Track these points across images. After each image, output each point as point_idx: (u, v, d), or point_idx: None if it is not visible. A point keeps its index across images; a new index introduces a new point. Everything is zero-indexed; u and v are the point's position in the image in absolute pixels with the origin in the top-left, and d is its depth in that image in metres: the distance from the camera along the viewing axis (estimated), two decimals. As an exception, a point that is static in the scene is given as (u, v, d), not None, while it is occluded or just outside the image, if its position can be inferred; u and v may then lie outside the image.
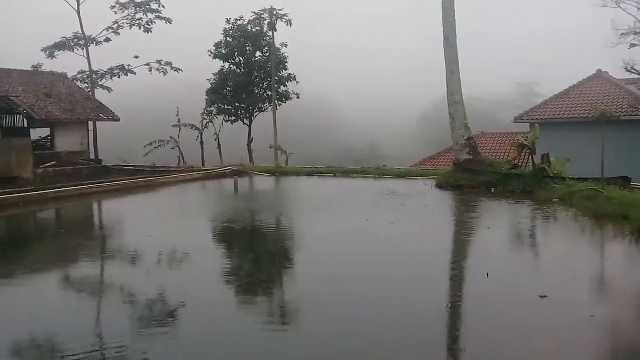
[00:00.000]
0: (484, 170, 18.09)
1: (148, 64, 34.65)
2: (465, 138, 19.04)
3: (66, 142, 26.81)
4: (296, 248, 10.90)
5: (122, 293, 7.69)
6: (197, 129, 33.87)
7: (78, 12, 31.96)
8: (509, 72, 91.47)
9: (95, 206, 17.73)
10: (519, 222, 13.01)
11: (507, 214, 14.05)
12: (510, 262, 9.16)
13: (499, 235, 11.29)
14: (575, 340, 5.78)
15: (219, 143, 34.61)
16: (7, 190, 17.77)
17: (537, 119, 25.87)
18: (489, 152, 28.85)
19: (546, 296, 6.77)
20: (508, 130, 34.23)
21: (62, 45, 33.01)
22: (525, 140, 18.53)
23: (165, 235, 11.74)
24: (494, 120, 62.14)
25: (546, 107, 27.70)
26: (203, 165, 29.98)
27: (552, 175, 16.66)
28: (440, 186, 18.26)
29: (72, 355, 5.36)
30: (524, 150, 18.60)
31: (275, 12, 35.28)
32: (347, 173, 22.78)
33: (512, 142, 19.95)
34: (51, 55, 32.93)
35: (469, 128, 19.43)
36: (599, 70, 28.95)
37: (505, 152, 27.08)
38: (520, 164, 19.65)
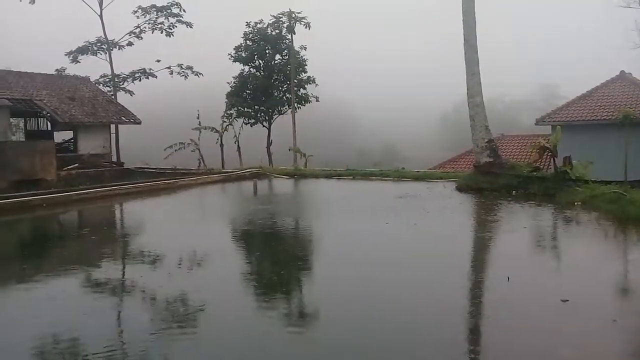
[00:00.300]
0: (504, 173, 17.93)
1: (169, 67, 35.06)
2: (486, 140, 18.89)
3: (89, 145, 27.21)
4: (315, 250, 10.92)
5: (142, 294, 7.79)
6: (217, 131, 34.14)
7: (101, 16, 32.47)
8: (530, 74, 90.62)
9: (117, 208, 17.96)
10: (540, 225, 12.87)
11: (529, 217, 13.89)
12: (532, 266, 9.06)
13: (520, 238, 11.17)
14: (597, 345, 5.71)
15: (238, 145, 34.82)
16: (31, 192, 18.12)
17: (558, 121, 25.56)
18: (510, 155, 28.57)
19: (568, 300, 6.69)
20: (529, 132, 33.90)
21: (86, 50, 33.56)
22: (547, 142, 18.32)
23: (185, 237, 11.86)
24: (514, 122, 61.58)
25: (568, 109, 27.36)
26: (223, 167, 30.21)
27: (574, 178, 16.44)
28: (460, 189, 18.14)
29: (93, 355, 5.45)
30: (546, 153, 18.40)
31: (294, 15, 35.46)
32: (365, 175, 22.73)
33: (533, 144, 19.72)
34: (75, 60, 33.51)
35: (490, 130, 19.28)
36: (622, 72, 28.52)
37: (526, 155, 26.76)
38: (541, 167, 19.43)
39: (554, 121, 26.05)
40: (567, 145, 19.07)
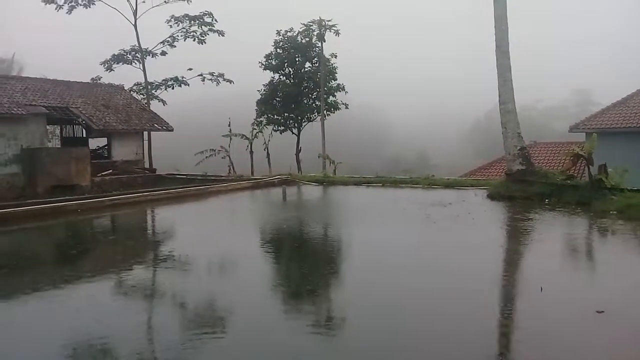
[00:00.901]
0: (537, 180, 17.60)
1: (201, 75, 35.56)
2: (518, 148, 18.60)
3: (122, 152, 27.76)
4: (344, 257, 10.87)
5: (173, 298, 7.88)
6: (247, 138, 34.50)
7: (135, 26, 33.19)
8: (564, 80, 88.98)
9: (149, 213, 18.24)
10: (574, 235, 12.58)
11: (562, 226, 13.60)
12: (566, 276, 8.86)
13: (553, 247, 10.93)
14: (630, 355, 5.55)
15: (267, 152, 35.11)
16: (67, 197, 18.55)
17: (593, 128, 24.99)
18: (543, 162, 28.06)
19: (603, 311, 6.52)
20: (562, 139, 33.25)
21: (120, 59, 34.33)
22: (581, 150, 17.93)
23: (215, 243, 11.98)
24: (547, 129, 60.55)
25: (603, 116, 26.73)
26: (252, 174, 30.45)
27: (609, 186, 16.03)
28: (491, 197, 17.87)
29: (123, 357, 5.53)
30: (580, 161, 18.00)
31: (324, 23, 35.66)
32: (395, 183, 22.58)
33: (567, 152, 19.32)
34: (109, 68, 34.31)
35: (522, 137, 18.98)
36: (660, 78, 27.77)
37: (559, 163, 26.27)
38: (575, 175, 19.01)
39: (588, 128, 25.49)
40: (601, 152, 18.59)
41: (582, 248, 11.33)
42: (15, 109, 22.68)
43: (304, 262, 10.26)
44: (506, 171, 19.34)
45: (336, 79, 37.35)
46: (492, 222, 14.17)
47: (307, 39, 36.88)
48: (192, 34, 34.49)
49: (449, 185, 21.45)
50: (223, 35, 35.04)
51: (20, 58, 56.92)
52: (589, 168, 17.31)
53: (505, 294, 8.04)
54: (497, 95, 19.11)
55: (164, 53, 34.94)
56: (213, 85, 36.60)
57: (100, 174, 24.98)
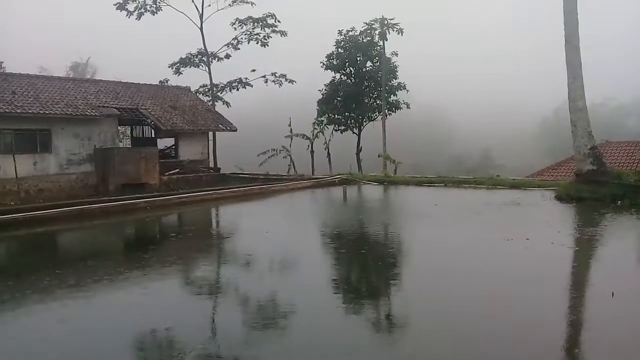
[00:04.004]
0: (609, 181, 16.84)
1: (264, 76, 36.13)
2: (589, 147, 17.85)
3: (188, 151, 28.64)
4: (406, 260, 10.79)
5: (235, 294, 8.08)
6: (307, 138, 34.80)
7: (201, 29, 34.10)
8: (638, 76, 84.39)
9: (214, 211, 18.75)
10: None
11: (636, 229, 12.95)
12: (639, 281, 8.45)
13: (626, 251, 10.44)
14: None
15: (328, 152, 35.27)
16: (137, 195, 19.35)
17: (672, 126, 23.61)
18: (615, 162, 26.75)
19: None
20: (636, 138, 31.60)
21: (187, 62, 35.39)
22: (658, 149, 17.01)
23: (278, 241, 12.19)
24: (620, 128, 57.62)
25: (683, 113, 25.21)
26: (313, 173, 30.68)
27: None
28: (560, 198, 17.24)
29: (188, 352, 5.74)
30: (657, 161, 17.08)
31: (386, 22, 35.45)
32: (458, 183, 22.17)
33: (642, 151, 18.37)
34: (177, 71, 35.44)
35: (593, 136, 18.20)
36: None
37: (633, 163, 24.99)
38: (651, 175, 18.04)
39: (666, 126, 24.11)
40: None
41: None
42: (89, 111, 23.85)
43: (366, 264, 10.26)
44: (576, 171, 18.61)
45: (397, 78, 37.07)
46: (561, 225, 13.66)
47: (369, 38, 36.79)
48: (255, 36, 35.12)
49: (514, 185, 20.84)
50: (285, 36, 35.47)
51: (94, 62, 59.73)
52: (666, 168, 16.41)
53: (575, 298, 7.74)
54: (566, 92, 18.42)
55: (228, 56, 35.76)
56: (275, 86, 37.14)
57: (167, 173, 25.86)
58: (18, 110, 21.21)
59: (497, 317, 6.68)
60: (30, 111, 21.59)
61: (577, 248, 11.15)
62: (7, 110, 20.86)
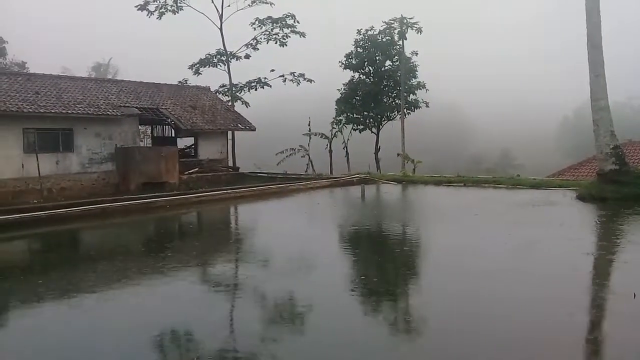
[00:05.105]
0: (632, 181, 16.58)
1: (282, 76, 36.22)
2: (611, 146, 17.59)
3: (208, 150, 28.85)
4: (425, 260, 10.74)
5: (253, 293, 8.12)
6: (326, 137, 34.79)
7: (221, 30, 34.30)
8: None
9: (233, 209, 18.87)
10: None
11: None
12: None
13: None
14: None
15: (347, 151, 35.24)
16: (157, 194, 19.55)
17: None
18: (638, 162, 26.32)
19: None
20: (661, 138, 31.06)
21: (206, 62, 35.63)
22: (683, 149, 16.70)
23: (296, 239, 12.23)
24: (644, 127, 56.67)
25: None
26: (331, 173, 30.68)
27: None
28: (581, 198, 17.02)
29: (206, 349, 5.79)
30: (682, 160, 16.77)
31: (405, 21, 35.32)
32: (477, 182, 22.01)
33: (666, 151, 18.05)
34: (197, 72, 35.71)
35: (615, 136, 17.93)
36: None
37: (658, 162, 24.55)
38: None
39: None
40: None
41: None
42: (110, 111, 24.14)
43: (385, 263, 10.24)
44: (598, 171, 18.36)
45: (417, 77, 36.90)
46: (583, 225, 13.50)
47: (388, 38, 36.68)
48: (274, 36, 35.23)
49: (535, 185, 20.63)
50: (304, 37, 35.51)
51: (115, 62, 60.51)
52: (692, 168, 16.10)
53: (596, 300, 7.64)
54: (588, 91, 18.17)
55: (247, 56, 35.91)
56: (294, 86, 37.20)
57: (187, 172, 26.07)
58: (41, 110, 21.55)
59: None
60: (53, 111, 21.93)
61: (601, 246, 11.00)
62: (30, 110, 21.21)
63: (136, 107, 25.75)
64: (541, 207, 16.01)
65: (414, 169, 30.20)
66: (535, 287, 7.87)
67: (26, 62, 46.52)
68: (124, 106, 25.17)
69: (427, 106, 37.44)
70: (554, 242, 11.20)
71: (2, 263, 11.24)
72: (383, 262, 10.21)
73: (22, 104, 21.24)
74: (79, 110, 22.92)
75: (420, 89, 36.69)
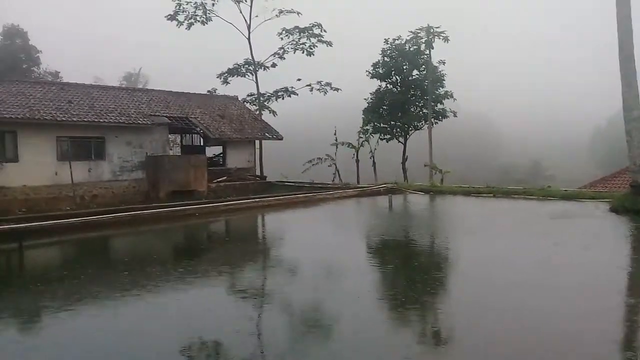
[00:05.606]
0: (667, 193, 16.17)
1: (309, 85, 36.42)
2: (645, 158, 17.20)
3: (236, 159, 29.14)
4: (454, 272, 10.62)
5: (281, 301, 8.15)
6: (353, 147, 34.81)
7: (249, 39, 34.71)
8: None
9: (261, 218, 18.98)
10: None
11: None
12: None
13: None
14: None
15: (373, 161, 35.18)
16: (187, 202, 19.80)
17: None
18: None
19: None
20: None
21: (235, 72, 36.08)
22: None
23: (324, 249, 12.22)
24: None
25: None
26: (358, 182, 30.65)
27: None
28: (615, 210, 16.64)
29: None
30: None
31: (432, 30, 35.24)
32: (507, 193, 21.69)
33: None
34: (225, 81, 36.16)
35: (649, 146, 17.53)
36: None
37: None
38: None
39: None
40: None
41: None
42: (141, 119, 24.60)
43: (414, 275, 10.17)
44: (631, 183, 17.94)
45: (444, 87, 36.72)
46: (617, 238, 13.21)
47: (415, 47, 36.62)
48: (301, 46, 35.50)
49: (566, 197, 20.25)
50: (331, 46, 35.70)
51: (145, 72, 61.63)
52: None
53: (630, 317, 7.47)
54: (620, 101, 17.83)
55: (274, 65, 36.25)
56: (320, 95, 37.37)
57: (215, 181, 26.35)
58: (74, 119, 22.09)
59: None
60: (85, 120, 22.46)
61: (635, 261, 10.75)
62: (64, 119, 21.76)
63: (166, 116, 26.19)
64: (573, 219, 15.73)
65: (441, 179, 29.97)
66: (566, 300, 7.72)
67: (59, 72, 47.74)
68: (155, 115, 25.63)
69: (455, 116, 37.21)
70: (586, 254, 10.98)
71: (40, 268, 11.52)
72: (411, 272, 10.14)
73: (55, 113, 21.82)
74: (111, 119, 23.43)
75: (448, 98, 36.50)
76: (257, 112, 34.42)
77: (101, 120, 23.01)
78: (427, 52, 35.91)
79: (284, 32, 35.28)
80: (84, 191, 22.45)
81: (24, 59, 45.65)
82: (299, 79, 36.25)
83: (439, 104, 36.45)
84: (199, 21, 34.01)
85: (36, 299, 8.49)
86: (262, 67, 35.99)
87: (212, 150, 30.87)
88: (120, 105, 24.87)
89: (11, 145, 20.87)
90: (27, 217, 16.45)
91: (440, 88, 36.56)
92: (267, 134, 30.67)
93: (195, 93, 31.40)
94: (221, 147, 29.53)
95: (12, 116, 20.45)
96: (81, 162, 22.57)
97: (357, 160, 34.78)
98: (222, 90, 35.80)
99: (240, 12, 34.28)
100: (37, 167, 21.08)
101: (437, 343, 6.34)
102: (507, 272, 9.56)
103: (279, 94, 36.86)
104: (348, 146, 34.96)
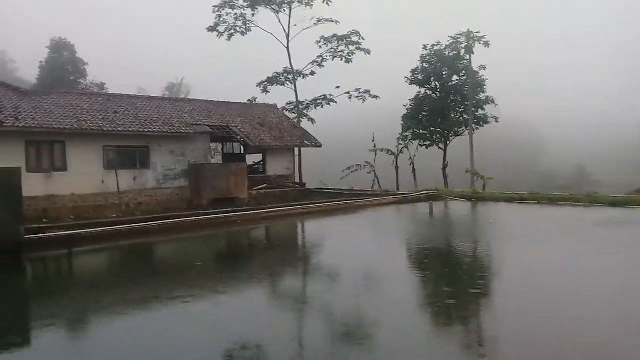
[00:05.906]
0: None
1: (348, 92, 36.45)
2: (700, 162, 16.53)
3: (275, 167, 29.35)
4: (499, 282, 10.40)
5: (320, 308, 8.14)
6: (392, 153, 34.62)
7: (287, 48, 35.03)
8: None
9: (302, 225, 19.04)
10: None
11: None
12: None
13: None
14: None
15: (413, 167, 34.89)
16: (228, 209, 20.05)
17: None
18: None
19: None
20: None
21: (274, 80, 36.43)
22: None
23: (365, 256, 12.18)
24: None
25: None
26: (398, 189, 30.44)
27: None
28: (666, 216, 16.06)
29: None
30: None
31: (472, 35, 34.78)
32: (552, 200, 21.15)
33: None
34: (265, 90, 36.55)
35: None
36: None
37: None
38: None
39: None
40: None
41: None
42: (184, 129, 25.07)
43: (456, 282, 10.01)
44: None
45: (485, 92, 36.14)
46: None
47: (455, 52, 36.23)
48: (339, 53, 35.60)
49: (614, 203, 19.61)
50: (369, 54, 35.66)
51: (187, 82, 62.92)
52: None
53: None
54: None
55: (313, 73, 36.45)
56: (359, 103, 37.33)
57: (256, 188, 26.59)
58: (120, 129, 22.67)
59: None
60: (130, 129, 23.02)
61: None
62: (110, 129, 22.36)
63: (208, 125, 26.60)
64: (623, 227, 15.22)
65: (484, 186, 29.49)
66: (615, 309, 7.47)
67: (105, 83, 49.26)
68: (196, 124, 26.06)
69: (497, 121, 36.55)
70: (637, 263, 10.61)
71: (89, 274, 11.85)
72: (454, 280, 9.98)
73: (102, 123, 22.43)
74: (155, 128, 23.94)
75: (489, 104, 35.91)
76: (296, 120, 34.63)
77: (145, 129, 23.54)
78: (467, 57, 35.47)
79: (322, 40, 35.46)
80: (129, 199, 22.97)
81: (71, 71, 47.29)
82: (337, 87, 36.34)
83: (479, 110, 35.91)
84: (238, 32, 34.55)
85: (86, 303, 8.74)
86: (301, 76, 36.24)
87: (252, 158, 31.18)
88: (164, 115, 25.40)
89: (60, 155, 21.54)
90: (75, 224, 16.95)
91: (481, 93, 36.00)
92: (306, 142, 30.80)
93: (235, 102, 31.81)
94: (261, 155, 29.79)
95: (61, 127, 21.12)
96: (126, 171, 23.09)
97: (397, 167, 34.57)
98: (261, 99, 36.22)
99: (279, 21, 34.70)
100: (84, 175, 21.67)
101: (479, 354, 6.21)
102: (555, 281, 9.30)
103: (318, 101, 37.01)
104: (387, 153, 34.79)
